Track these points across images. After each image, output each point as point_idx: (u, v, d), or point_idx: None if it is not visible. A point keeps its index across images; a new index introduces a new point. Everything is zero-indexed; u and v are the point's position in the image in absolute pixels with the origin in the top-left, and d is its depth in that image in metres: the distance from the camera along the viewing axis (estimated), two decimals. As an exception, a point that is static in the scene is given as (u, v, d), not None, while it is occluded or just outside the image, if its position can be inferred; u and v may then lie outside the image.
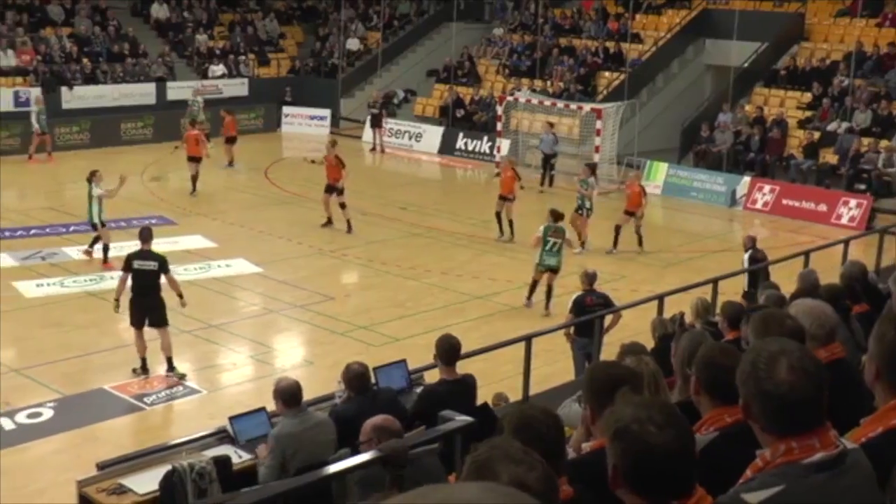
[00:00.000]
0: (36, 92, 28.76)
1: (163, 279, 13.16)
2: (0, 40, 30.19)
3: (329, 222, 21.14)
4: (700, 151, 26.96)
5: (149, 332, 13.21)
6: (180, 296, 13.34)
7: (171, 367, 13.29)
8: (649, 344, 8.66)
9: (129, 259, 13.12)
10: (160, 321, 13.16)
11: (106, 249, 17.91)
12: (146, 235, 13.35)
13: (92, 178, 17.96)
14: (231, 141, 27.25)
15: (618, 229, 19.77)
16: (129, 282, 13.13)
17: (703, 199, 25.28)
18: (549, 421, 3.29)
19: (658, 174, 26.31)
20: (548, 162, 26.32)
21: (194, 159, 23.95)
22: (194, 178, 23.93)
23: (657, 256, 19.96)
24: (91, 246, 18.22)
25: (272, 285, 17.29)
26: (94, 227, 18.03)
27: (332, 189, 21.03)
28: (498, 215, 20.43)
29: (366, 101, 33.16)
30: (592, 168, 20.94)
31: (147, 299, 13.03)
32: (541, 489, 2.32)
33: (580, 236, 19.62)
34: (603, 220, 20.27)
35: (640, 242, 19.82)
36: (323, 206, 21.19)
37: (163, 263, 13.11)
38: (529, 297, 16.11)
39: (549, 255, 15.75)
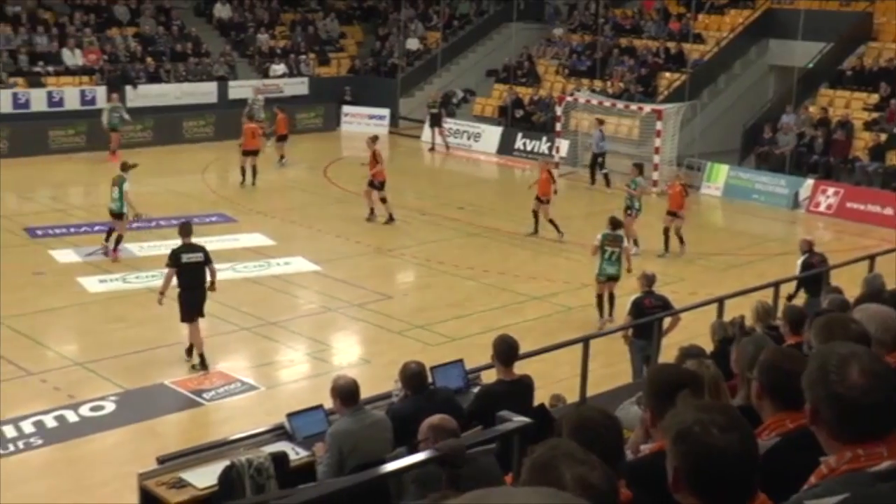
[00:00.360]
0: (102, 90, 29.32)
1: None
2: (68, 40, 30.75)
3: (372, 214, 21.53)
4: (762, 153, 26.61)
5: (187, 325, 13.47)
6: (213, 282, 13.50)
7: (190, 353, 13.54)
8: (708, 347, 8.56)
9: (177, 254, 13.30)
10: (202, 312, 13.42)
11: (118, 240, 18.32)
12: (188, 229, 13.63)
13: (127, 169, 18.39)
14: (282, 139, 27.52)
15: (666, 232, 19.62)
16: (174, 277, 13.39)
17: (764, 202, 24.94)
18: (608, 423, 3.26)
19: (719, 176, 26.01)
20: (596, 160, 26.25)
21: (251, 152, 24.33)
22: (244, 170, 24.50)
23: (717, 259, 19.75)
24: (115, 245, 18.42)
25: (330, 283, 17.39)
26: (119, 216, 18.20)
27: (373, 183, 21.50)
28: (535, 213, 20.63)
29: (425, 100, 33.24)
30: (640, 168, 20.73)
31: (197, 291, 13.31)
32: (605, 488, 2.30)
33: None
34: (657, 219, 20.10)
35: (682, 241, 19.61)
36: (364, 199, 21.69)
37: (206, 253, 13.42)
38: (602, 316, 15.59)
39: (608, 265, 15.47)
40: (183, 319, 13.41)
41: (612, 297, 15.58)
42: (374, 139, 22.33)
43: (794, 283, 14.47)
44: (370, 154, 21.68)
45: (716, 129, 28.75)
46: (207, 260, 13.39)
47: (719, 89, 30.44)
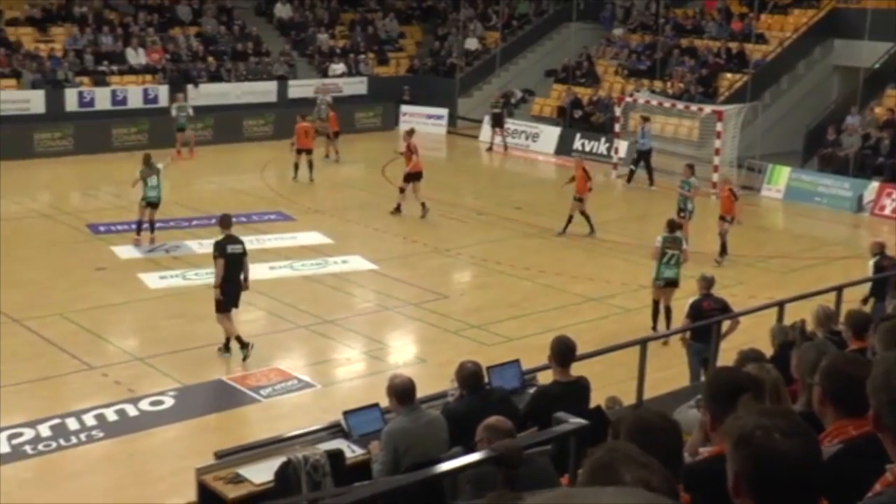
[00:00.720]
0: (164, 89, 29.79)
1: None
2: (131, 40, 31.21)
3: (424, 208, 21.82)
4: (825, 155, 26.19)
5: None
6: (246, 278, 13.82)
7: (228, 348, 13.83)
8: (767, 351, 8.44)
9: (223, 245, 13.56)
10: (237, 303, 13.76)
11: (148, 225, 19.24)
12: (228, 221, 13.97)
13: (149, 162, 19.17)
14: (335, 135, 27.80)
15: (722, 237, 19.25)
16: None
17: (827, 205, 24.54)
18: (667, 425, 3.23)
19: (780, 178, 25.66)
20: (641, 158, 26.19)
21: (304, 150, 24.84)
22: (297, 166, 24.95)
23: (777, 262, 19.48)
24: (152, 228, 19.19)
25: (387, 282, 17.45)
26: (156, 205, 18.95)
27: (414, 176, 21.86)
28: (583, 213, 20.66)
29: (483, 100, 33.19)
30: (692, 168, 20.37)
31: (238, 283, 13.61)
32: (666, 491, 2.27)
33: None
34: (716, 222, 19.85)
35: (724, 250, 19.05)
36: (414, 196, 22.06)
37: (244, 246, 13.78)
38: (655, 326, 15.00)
39: (667, 268, 14.97)
40: (222, 310, 13.60)
41: (668, 311, 15.03)
42: (411, 132, 22.70)
43: (860, 287, 14.19)
44: (405, 146, 22.03)
45: (778, 130, 28.35)
46: (245, 253, 13.73)
47: (782, 90, 30.02)
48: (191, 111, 28.25)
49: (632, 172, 26.11)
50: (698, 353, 12.25)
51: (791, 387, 5.66)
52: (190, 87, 30.66)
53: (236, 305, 13.76)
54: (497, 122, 31.16)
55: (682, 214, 19.31)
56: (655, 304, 15.21)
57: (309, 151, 24.99)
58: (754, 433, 2.56)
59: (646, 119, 26.72)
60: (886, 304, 9.04)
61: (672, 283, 15.11)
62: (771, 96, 29.63)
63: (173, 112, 28.02)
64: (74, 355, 13.62)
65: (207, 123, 30.17)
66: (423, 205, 21.72)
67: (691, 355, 12.47)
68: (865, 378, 2.82)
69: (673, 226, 15.49)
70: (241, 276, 13.67)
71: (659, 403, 9.48)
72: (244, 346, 13.60)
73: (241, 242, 13.72)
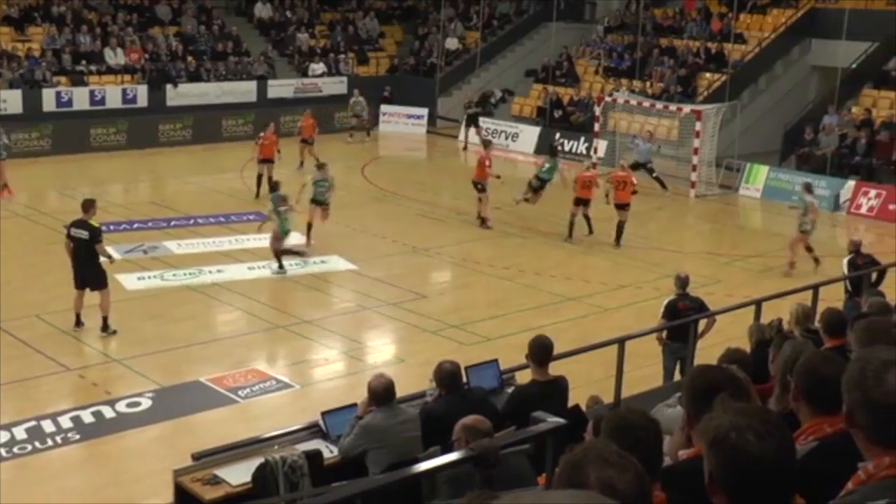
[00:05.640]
0: (143, 89, 29.62)
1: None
2: (110, 40, 31.02)
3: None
4: (803, 154, 26.34)
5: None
6: (109, 258, 14.70)
7: (105, 327, 14.43)
8: (748, 349, 8.46)
9: (68, 228, 14.46)
10: (97, 285, 14.37)
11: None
12: (86, 205, 14.52)
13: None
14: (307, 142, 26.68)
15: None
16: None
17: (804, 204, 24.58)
18: (648, 425, 3.23)
19: (758, 177, 25.78)
20: (640, 168, 25.82)
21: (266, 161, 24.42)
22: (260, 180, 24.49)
23: (755, 261, 19.56)
24: None
25: (366, 282, 17.41)
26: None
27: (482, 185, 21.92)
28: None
29: (463, 100, 33.19)
30: (808, 187, 19.60)
31: (79, 264, 14.30)
32: (630, 492, 2.27)
33: (793, 257, 18.73)
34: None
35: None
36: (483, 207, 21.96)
37: (94, 234, 14.24)
38: None
39: None
40: (74, 286, 14.41)
41: None
42: (487, 144, 23.28)
43: (837, 285, 14.25)
44: (486, 157, 21.95)
45: (756, 129, 28.50)
46: (93, 240, 14.16)
47: (760, 90, 30.18)
48: (7, 140, 23.95)
49: (658, 179, 25.60)
50: (674, 352, 12.25)
51: (765, 385, 5.67)
52: (169, 86, 30.52)
53: (90, 286, 14.33)
54: (473, 122, 31.14)
55: (802, 232, 18.71)
56: None
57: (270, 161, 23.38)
58: (728, 434, 2.56)
59: (651, 133, 26.67)
60: (862, 302, 9.07)
61: None
62: (749, 96, 29.78)
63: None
64: (50, 357, 13.52)
65: (186, 123, 30.05)
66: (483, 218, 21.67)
67: (667, 355, 12.47)
68: (839, 376, 2.82)
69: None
70: (93, 259, 14.21)
71: (637, 402, 9.50)
72: (78, 323, 14.42)
73: (88, 229, 14.18)
